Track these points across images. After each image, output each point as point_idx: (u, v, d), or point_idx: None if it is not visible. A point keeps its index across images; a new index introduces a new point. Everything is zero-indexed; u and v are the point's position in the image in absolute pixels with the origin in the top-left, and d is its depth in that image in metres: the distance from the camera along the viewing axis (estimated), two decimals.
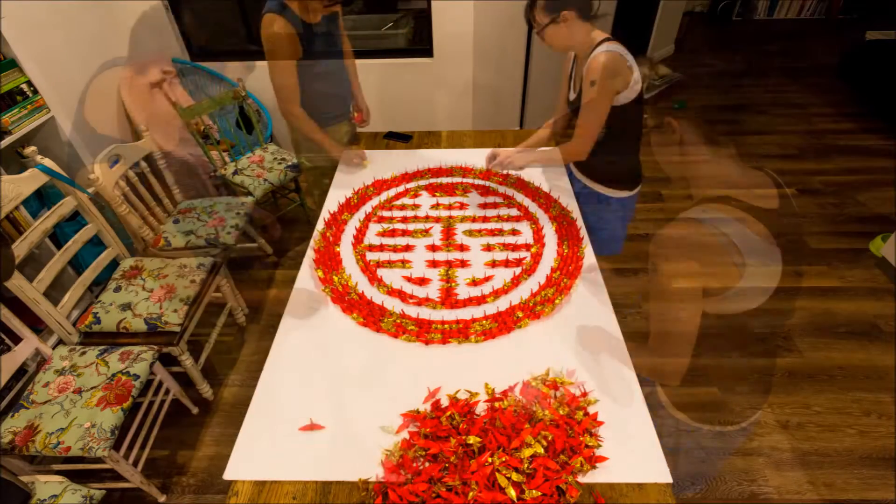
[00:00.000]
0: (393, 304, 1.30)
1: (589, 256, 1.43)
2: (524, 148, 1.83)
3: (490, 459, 0.90)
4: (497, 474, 0.88)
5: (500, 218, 1.60)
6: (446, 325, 1.23)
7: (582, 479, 0.92)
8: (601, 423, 1.00)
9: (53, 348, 1.58)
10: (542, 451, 0.91)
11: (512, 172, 1.81)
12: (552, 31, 1.42)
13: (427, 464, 0.92)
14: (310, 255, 1.48)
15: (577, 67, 1.56)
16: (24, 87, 1.90)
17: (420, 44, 2.97)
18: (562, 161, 1.67)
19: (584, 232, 1.51)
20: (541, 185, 1.73)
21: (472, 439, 0.93)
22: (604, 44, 1.40)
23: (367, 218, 1.62)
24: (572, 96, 1.61)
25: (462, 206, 1.66)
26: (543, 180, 1.76)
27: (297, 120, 1.79)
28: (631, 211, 1.73)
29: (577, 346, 1.18)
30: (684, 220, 0.94)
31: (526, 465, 0.89)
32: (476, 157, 1.90)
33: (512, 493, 0.86)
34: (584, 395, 1.05)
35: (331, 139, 1.87)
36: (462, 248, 1.49)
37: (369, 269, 1.42)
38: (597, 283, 1.35)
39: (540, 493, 0.86)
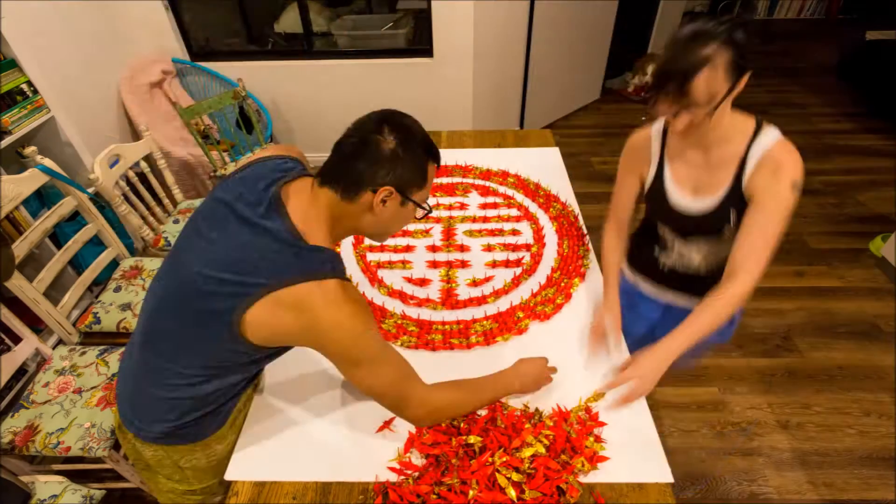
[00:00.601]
0: (393, 305, 1.30)
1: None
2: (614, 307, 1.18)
3: (490, 459, 0.90)
4: (497, 474, 0.88)
5: (500, 218, 1.60)
6: (447, 326, 1.23)
7: (582, 479, 0.92)
8: (604, 424, 1.00)
9: (53, 348, 1.58)
10: (542, 450, 0.91)
11: (511, 171, 1.80)
12: (725, 107, 0.90)
13: (430, 467, 0.92)
14: None
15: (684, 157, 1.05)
16: (24, 87, 1.90)
17: (420, 44, 2.97)
18: (721, 321, 0.95)
19: (585, 235, 1.51)
20: (539, 182, 1.73)
21: (472, 439, 0.93)
22: (769, 130, 0.95)
23: None
24: (682, 201, 1.06)
25: (462, 207, 1.66)
26: (542, 177, 1.76)
27: (452, 403, 0.97)
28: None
29: (577, 346, 1.17)
30: None
31: (527, 465, 0.89)
32: (476, 158, 1.90)
33: (512, 493, 0.86)
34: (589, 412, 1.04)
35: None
36: (462, 248, 1.49)
37: (370, 270, 1.42)
38: (597, 283, 1.34)
39: (540, 493, 0.86)
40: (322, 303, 0.76)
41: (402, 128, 0.83)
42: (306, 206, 0.83)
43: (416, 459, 0.95)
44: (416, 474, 0.92)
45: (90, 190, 1.77)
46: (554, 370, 1.08)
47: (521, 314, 1.25)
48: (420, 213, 0.89)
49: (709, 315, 0.95)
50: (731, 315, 0.96)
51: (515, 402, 1.04)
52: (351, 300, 0.79)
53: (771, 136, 0.94)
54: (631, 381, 0.94)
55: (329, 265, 0.80)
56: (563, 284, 1.33)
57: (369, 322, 0.82)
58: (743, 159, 0.96)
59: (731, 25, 0.83)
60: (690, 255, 1.14)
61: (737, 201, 0.98)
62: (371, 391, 0.88)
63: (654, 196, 1.12)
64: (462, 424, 0.97)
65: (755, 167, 0.94)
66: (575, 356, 1.15)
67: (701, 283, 1.07)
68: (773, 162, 0.92)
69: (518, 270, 1.40)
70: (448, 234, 1.54)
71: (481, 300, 1.30)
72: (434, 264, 1.43)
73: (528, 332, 1.22)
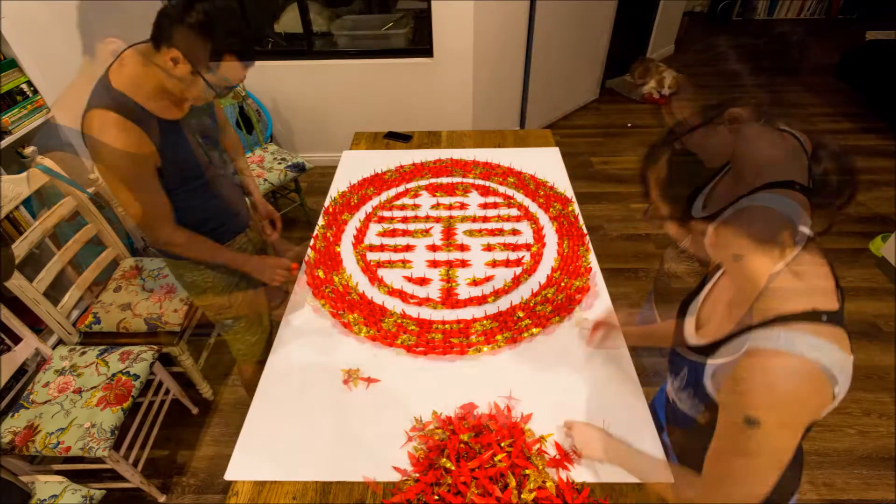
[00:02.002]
0: (393, 305, 1.30)
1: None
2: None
3: (491, 461, 0.90)
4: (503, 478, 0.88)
5: (500, 218, 1.60)
6: (447, 325, 1.23)
7: (583, 479, 0.92)
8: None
9: (53, 348, 1.58)
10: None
11: (514, 167, 1.80)
12: (700, 136, 0.78)
13: (428, 469, 0.92)
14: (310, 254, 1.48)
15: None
16: (24, 87, 1.90)
17: (420, 44, 2.97)
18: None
19: (586, 236, 1.51)
20: (535, 174, 1.73)
21: (465, 436, 0.94)
22: (791, 325, 0.63)
23: (368, 218, 1.62)
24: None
25: (462, 206, 1.66)
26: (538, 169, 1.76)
27: (183, 246, 1.20)
28: None
29: (578, 346, 1.17)
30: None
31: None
32: (476, 158, 1.90)
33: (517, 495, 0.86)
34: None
35: (237, 253, 1.35)
36: (462, 248, 1.49)
37: (370, 270, 1.42)
38: (598, 285, 1.35)
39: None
40: (92, 126, 0.98)
41: (217, 10, 0.96)
42: (132, 61, 1.03)
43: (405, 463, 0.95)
44: (416, 475, 0.92)
45: (90, 190, 1.77)
46: (290, 267, 1.31)
47: (520, 313, 1.25)
48: (210, 93, 1.04)
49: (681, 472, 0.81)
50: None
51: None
52: (108, 130, 0.96)
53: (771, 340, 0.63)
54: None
55: (107, 98, 0.98)
56: (563, 284, 1.33)
57: (125, 156, 0.99)
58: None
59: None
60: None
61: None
62: (127, 214, 1.12)
63: None
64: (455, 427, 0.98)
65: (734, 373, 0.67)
66: (576, 356, 1.15)
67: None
68: (737, 373, 0.66)
69: (518, 270, 1.40)
70: (448, 233, 1.54)
71: (481, 300, 1.30)
72: (434, 264, 1.43)
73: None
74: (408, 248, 1.49)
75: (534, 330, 1.20)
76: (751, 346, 0.65)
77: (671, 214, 0.74)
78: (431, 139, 2.09)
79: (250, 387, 1.35)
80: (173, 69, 0.98)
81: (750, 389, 0.63)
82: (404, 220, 1.61)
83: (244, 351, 1.48)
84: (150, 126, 1.04)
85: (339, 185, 1.78)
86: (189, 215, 1.20)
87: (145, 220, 1.11)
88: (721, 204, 0.69)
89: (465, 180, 1.79)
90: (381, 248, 1.50)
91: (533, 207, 1.64)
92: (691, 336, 0.81)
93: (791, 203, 0.64)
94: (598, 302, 1.29)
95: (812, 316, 0.62)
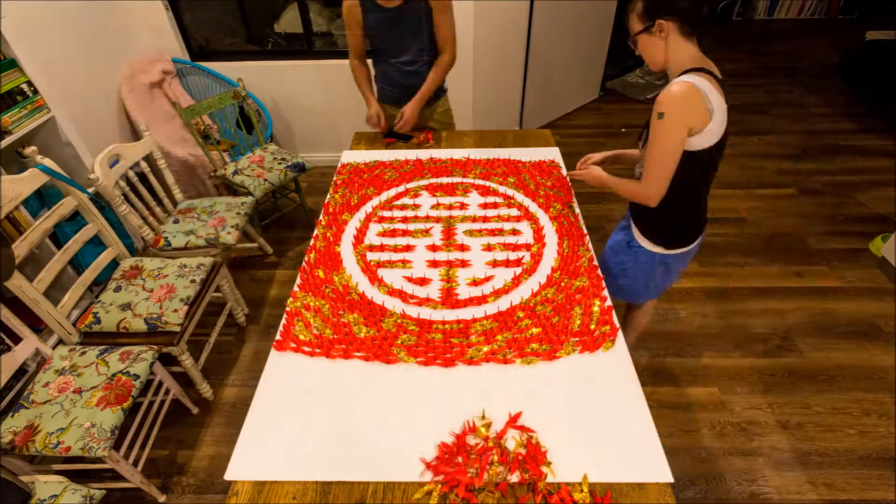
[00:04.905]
0: (393, 304, 1.30)
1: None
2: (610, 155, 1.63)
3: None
4: None
5: (500, 218, 1.60)
6: (447, 325, 1.23)
7: (583, 479, 0.92)
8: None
9: (53, 348, 1.58)
10: None
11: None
12: (645, 42, 1.21)
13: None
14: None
15: None
16: (24, 87, 1.90)
17: None
18: (630, 195, 1.35)
19: (587, 238, 1.51)
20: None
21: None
22: (689, 74, 1.15)
23: (368, 218, 1.62)
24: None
25: (462, 206, 1.66)
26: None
27: (353, 68, 2.01)
28: (672, 272, 1.51)
29: (577, 346, 1.17)
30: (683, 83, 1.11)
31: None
32: (476, 157, 1.90)
33: None
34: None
35: (370, 97, 2.02)
36: (462, 247, 1.49)
37: (370, 269, 1.42)
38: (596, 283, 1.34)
39: None
40: None
41: None
42: None
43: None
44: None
45: (90, 190, 1.77)
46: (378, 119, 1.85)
47: (521, 313, 1.25)
48: None
49: (633, 184, 1.32)
50: (635, 196, 1.31)
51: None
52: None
53: (680, 78, 1.15)
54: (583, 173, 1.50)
55: None
56: (563, 284, 1.33)
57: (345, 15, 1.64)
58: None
59: None
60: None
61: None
62: None
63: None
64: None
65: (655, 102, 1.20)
66: (576, 356, 1.15)
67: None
68: (658, 99, 1.16)
69: (518, 270, 1.40)
70: (448, 233, 1.54)
71: (481, 300, 1.30)
72: (434, 264, 1.43)
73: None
74: (408, 248, 1.49)
75: (534, 330, 1.20)
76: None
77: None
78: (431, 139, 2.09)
79: None
80: None
81: (661, 97, 1.14)
82: (404, 220, 1.61)
83: None
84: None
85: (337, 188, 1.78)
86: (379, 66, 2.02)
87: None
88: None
89: (465, 180, 1.79)
90: (381, 248, 1.50)
91: (533, 207, 1.64)
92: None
93: (702, 80, 1.12)
94: (599, 301, 1.29)
95: (701, 70, 1.14)
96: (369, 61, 2.05)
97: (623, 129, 3.70)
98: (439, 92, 2.09)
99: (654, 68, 1.24)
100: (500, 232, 1.54)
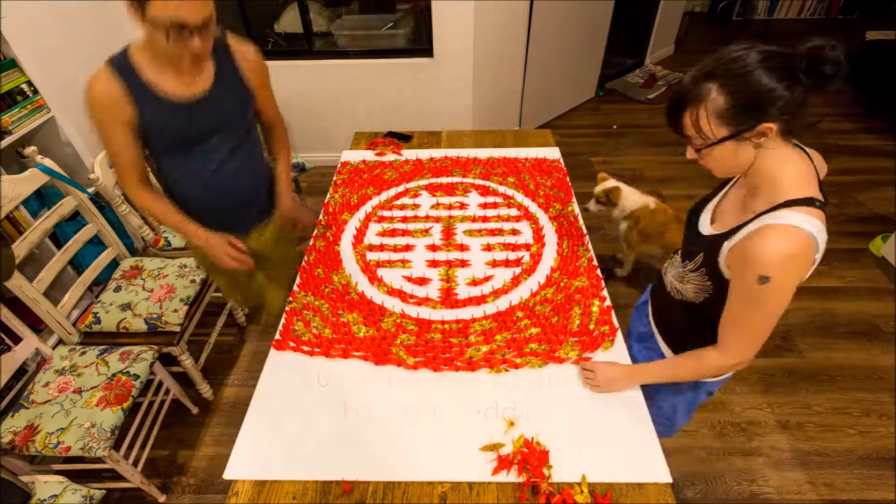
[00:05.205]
0: (393, 304, 1.30)
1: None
2: None
3: None
4: None
5: (500, 218, 1.60)
6: (446, 325, 1.23)
7: (583, 479, 0.92)
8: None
9: (53, 348, 1.58)
10: None
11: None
12: (724, 152, 0.81)
13: None
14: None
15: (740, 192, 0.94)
16: (24, 87, 1.90)
17: (420, 44, 2.97)
18: (698, 374, 1.01)
19: (587, 238, 1.51)
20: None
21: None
22: (796, 209, 0.80)
23: (368, 218, 1.62)
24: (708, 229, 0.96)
25: (462, 206, 1.66)
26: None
27: (148, 207, 1.28)
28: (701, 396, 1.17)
29: (577, 346, 1.17)
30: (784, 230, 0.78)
31: None
32: (477, 157, 1.90)
33: None
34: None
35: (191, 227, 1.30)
36: (462, 247, 1.49)
37: (369, 269, 1.42)
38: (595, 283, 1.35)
39: None
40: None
41: None
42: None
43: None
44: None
45: (90, 190, 1.77)
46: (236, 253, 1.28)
47: (520, 313, 1.25)
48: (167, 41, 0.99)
49: (692, 361, 0.97)
50: (706, 375, 0.99)
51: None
52: (89, 87, 1.07)
53: (783, 219, 0.79)
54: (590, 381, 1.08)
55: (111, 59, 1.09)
56: (563, 284, 1.33)
57: (98, 113, 1.09)
58: (742, 224, 0.85)
59: (750, 68, 0.73)
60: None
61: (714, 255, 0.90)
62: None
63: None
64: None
65: (738, 242, 0.84)
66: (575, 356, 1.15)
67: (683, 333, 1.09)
68: (744, 248, 0.82)
69: (518, 270, 1.40)
70: (448, 233, 1.54)
71: (481, 300, 1.30)
72: (434, 264, 1.43)
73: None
74: (407, 247, 1.49)
75: (533, 330, 1.20)
76: (761, 224, 0.81)
77: None
78: (431, 139, 2.09)
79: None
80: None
81: (762, 255, 0.79)
82: (404, 219, 1.61)
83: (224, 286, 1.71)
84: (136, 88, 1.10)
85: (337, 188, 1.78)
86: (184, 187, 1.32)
87: (115, 170, 1.27)
88: (734, 219, 0.89)
89: (464, 180, 1.79)
90: (381, 247, 1.50)
91: (533, 207, 1.64)
92: (705, 228, 0.96)
93: (815, 221, 0.80)
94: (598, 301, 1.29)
95: (809, 201, 0.81)
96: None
97: (615, 126, 3.70)
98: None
99: (720, 175, 0.87)
100: (500, 232, 1.54)
